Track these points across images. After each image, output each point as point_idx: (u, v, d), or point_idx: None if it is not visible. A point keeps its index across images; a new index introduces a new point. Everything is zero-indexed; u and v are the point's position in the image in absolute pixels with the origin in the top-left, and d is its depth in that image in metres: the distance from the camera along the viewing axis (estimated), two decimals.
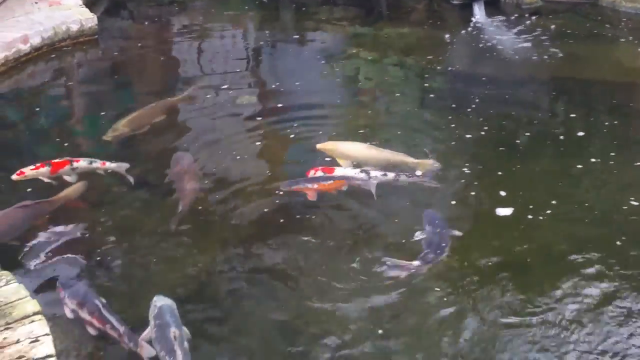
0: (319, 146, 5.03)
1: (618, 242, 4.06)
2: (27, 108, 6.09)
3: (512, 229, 4.20)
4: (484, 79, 6.37)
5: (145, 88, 6.45)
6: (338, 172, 4.68)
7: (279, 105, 5.93)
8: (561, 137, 5.27)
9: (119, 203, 4.59)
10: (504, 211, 4.37)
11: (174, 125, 5.70)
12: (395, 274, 3.90)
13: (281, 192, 4.49)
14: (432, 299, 3.67)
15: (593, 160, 4.95)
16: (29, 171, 4.58)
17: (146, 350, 3.43)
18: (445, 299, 3.64)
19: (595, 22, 7.21)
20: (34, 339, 3.01)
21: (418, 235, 4.11)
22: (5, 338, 3.03)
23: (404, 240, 4.10)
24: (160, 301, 3.59)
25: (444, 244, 3.98)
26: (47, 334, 3.07)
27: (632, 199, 4.50)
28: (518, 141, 5.33)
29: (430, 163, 4.89)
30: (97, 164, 4.73)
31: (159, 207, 4.49)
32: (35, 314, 3.18)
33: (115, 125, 5.27)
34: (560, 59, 6.83)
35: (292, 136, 5.36)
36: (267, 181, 4.74)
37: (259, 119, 5.59)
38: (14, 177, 4.74)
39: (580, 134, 5.32)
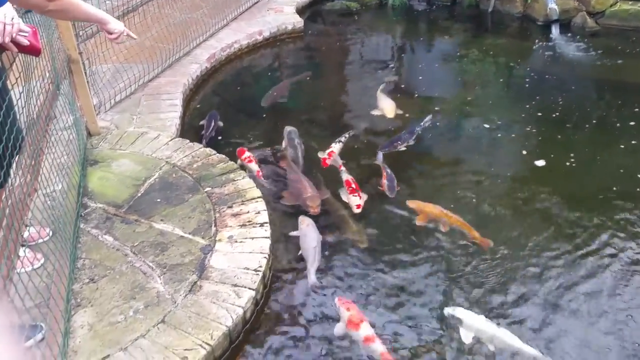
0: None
1: (614, 188, 4.54)
2: (260, 74, 7.08)
3: (545, 173, 4.79)
4: (555, 77, 6.72)
5: (330, 65, 7.48)
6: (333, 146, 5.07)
7: (413, 81, 6.77)
8: (617, 124, 5.60)
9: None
10: (540, 162, 4.98)
11: (346, 90, 6.78)
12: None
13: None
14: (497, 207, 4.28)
15: (634, 141, 5.30)
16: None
17: None
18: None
19: (634, 42, 7.43)
20: (257, 212, 3.81)
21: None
22: (241, 209, 3.80)
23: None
24: (289, 127, 5.11)
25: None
26: (264, 210, 3.79)
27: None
28: (579, 121, 5.65)
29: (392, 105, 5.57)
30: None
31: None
32: (258, 197, 3.93)
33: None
34: (608, 66, 7.09)
35: (417, 98, 6.23)
36: (394, 123, 5.59)
37: (402, 87, 6.57)
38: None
39: (616, 119, 5.65)
